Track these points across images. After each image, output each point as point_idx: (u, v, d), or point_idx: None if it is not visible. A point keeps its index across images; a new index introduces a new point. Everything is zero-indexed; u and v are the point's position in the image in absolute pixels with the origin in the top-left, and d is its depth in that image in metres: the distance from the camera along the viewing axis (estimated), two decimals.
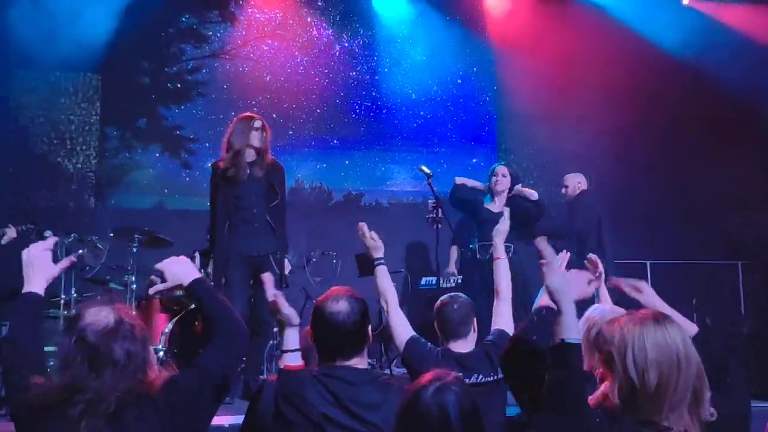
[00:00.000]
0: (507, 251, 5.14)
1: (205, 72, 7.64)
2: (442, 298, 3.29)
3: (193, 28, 7.69)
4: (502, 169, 5.79)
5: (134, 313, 1.92)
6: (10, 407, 2.03)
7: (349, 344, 2.42)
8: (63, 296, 5.39)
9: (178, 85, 7.58)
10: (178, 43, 7.64)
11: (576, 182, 6.55)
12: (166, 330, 5.42)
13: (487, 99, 8.29)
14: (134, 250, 5.58)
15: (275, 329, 5.16)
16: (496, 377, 3.03)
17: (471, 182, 5.99)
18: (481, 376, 3.03)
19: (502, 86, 8.20)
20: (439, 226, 5.45)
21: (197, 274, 2.18)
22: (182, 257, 2.23)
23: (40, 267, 2.21)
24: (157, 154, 7.48)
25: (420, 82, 8.12)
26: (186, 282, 2.16)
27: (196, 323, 5.54)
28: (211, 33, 7.73)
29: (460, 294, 3.35)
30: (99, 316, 1.89)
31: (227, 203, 4.83)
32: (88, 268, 5.78)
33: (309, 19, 8.00)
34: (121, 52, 7.31)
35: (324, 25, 8.02)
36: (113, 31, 7.12)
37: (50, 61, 7.02)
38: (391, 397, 2.32)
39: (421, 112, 8.11)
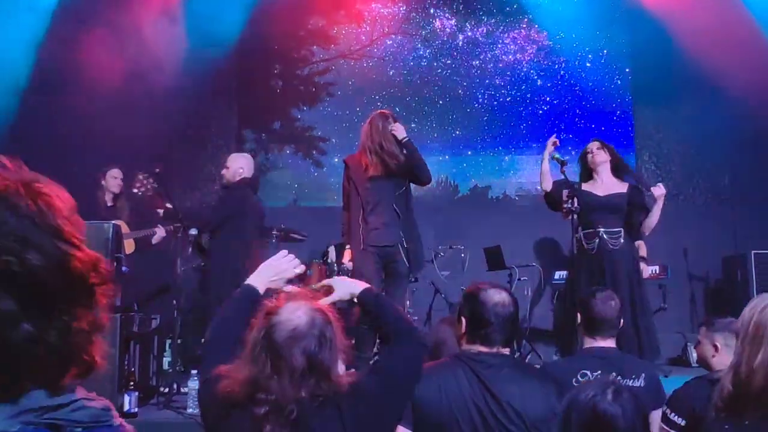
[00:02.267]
0: (616, 237, 5.01)
1: (333, 72, 7.89)
2: (588, 291, 3.23)
3: (321, 30, 7.96)
4: (594, 144, 5.23)
5: (332, 314, 1.89)
6: (199, 396, 2.02)
7: (505, 333, 2.48)
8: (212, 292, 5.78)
9: (310, 88, 7.88)
10: (308, 45, 7.93)
11: None
12: None
13: (619, 82, 7.94)
14: (275, 245, 5.89)
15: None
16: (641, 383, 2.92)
17: (548, 176, 5.30)
18: (634, 379, 2.92)
19: (637, 67, 7.81)
20: (575, 216, 5.19)
21: (364, 285, 2.22)
22: (289, 255, 2.32)
23: (273, 273, 2.26)
24: (291, 154, 7.83)
25: (545, 67, 7.93)
26: (356, 292, 2.21)
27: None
28: (337, 33, 7.96)
29: (605, 288, 3.29)
30: (292, 315, 1.81)
31: (359, 196, 4.98)
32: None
33: (432, 11, 8.04)
34: (257, 58, 7.71)
35: (447, 15, 8.04)
36: (248, 38, 7.54)
37: (191, 70, 7.55)
38: (546, 387, 2.43)
39: (547, 98, 7.93)
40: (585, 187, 5.08)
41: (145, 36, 7.10)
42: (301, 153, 7.83)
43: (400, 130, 4.89)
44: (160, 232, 5.83)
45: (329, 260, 5.83)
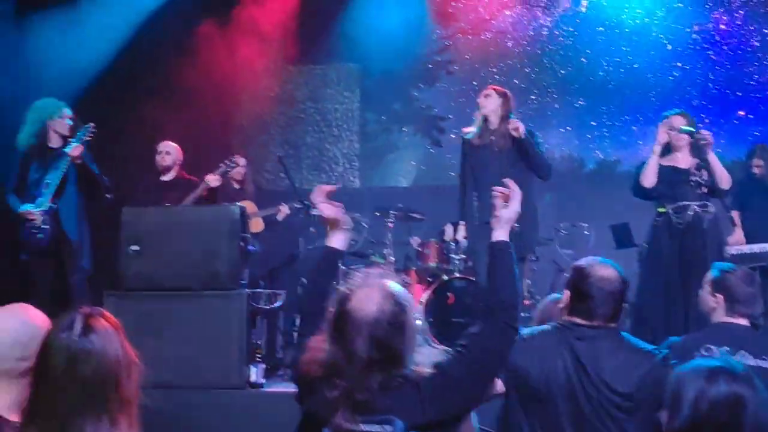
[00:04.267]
0: (704, 209, 4.65)
1: (452, 48, 7.87)
2: (734, 267, 3.11)
3: (440, 8, 7.93)
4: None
5: (407, 297, 1.85)
6: (292, 365, 2.09)
7: (607, 308, 2.48)
8: None
9: (429, 66, 7.92)
10: (427, 25, 7.94)
11: None
12: (422, 300, 5.83)
13: (757, 44, 7.32)
14: (390, 225, 6.06)
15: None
16: None
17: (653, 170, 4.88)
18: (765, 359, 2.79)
19: None
20: (705, 189, 4.85)
21: (504, 238, 2.12)
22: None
23: (333, 221, 2.22)
24: (410, 134, 7.93)
25: (675, 30, 7.45)
26: (495, 238, 2.11)
27: (449, 294, 5.87)
28: (455, 9, 7.91)
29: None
30: (362, 304, 1.78)
31: (474, 171, 5.02)
32: (352, 243, 6.44)
33: None
34: (377, 39, 7.85)
35: None
36: (368, 20, 7.71)
37: (317, 56, 7.87)
38: (643, 362, 2.42)
39: (678, 64, 7.46)
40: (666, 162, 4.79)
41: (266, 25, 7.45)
42: (420, 133, 7.91)
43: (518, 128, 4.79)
44: (283, 210, 6.17)
45: (446, 238, 5.91)
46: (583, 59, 7.67)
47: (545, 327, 2.62)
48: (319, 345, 1.84)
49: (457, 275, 5.64)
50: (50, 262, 5.08)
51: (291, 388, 4.35)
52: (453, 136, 7.20)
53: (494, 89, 5.12)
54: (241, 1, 7.51)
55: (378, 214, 6.25)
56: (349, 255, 6.45)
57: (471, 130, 5.11)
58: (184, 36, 7.32)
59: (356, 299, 1.79)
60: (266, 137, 7.97)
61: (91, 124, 5.00)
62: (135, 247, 4.29)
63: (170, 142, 5.75)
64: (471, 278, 5.53)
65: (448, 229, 6.02)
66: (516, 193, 2.22)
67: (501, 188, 2.26)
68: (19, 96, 6.42)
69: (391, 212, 6.01)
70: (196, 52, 7.32)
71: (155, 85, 7.15)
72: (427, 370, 1.83)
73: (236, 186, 6.15)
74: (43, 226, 4.96)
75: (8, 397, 1.93)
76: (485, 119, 4.99)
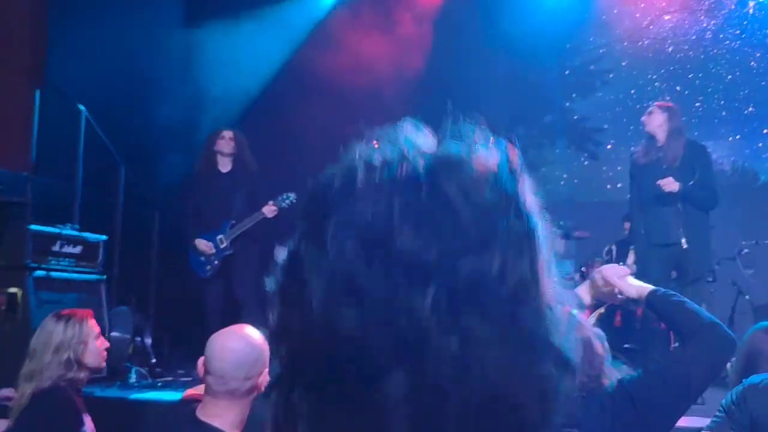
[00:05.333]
0: None
1: (609, 59, 7.57)
2: None
3: (596, 18, 7.66)
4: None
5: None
6: None
7: None
8: None
9: (583, 77, 7.65)
10: (579, 35, 7.69)
11: None
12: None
13: None
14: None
15: None
16: None
17: None
18: None
19: None
20: None
21: (649, 287, 2.03)
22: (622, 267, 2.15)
23: (601, 282, 2.14)
24: (563, 147, 7.68)
25: None
26: (643, 294, 2.02)
27: (616, 316, 5.58)
28: (612, 19, 7.61)
29: None
30: None
31: (641, 191, 4.76)
32: None
33: None
34: (525, 49, 7.67)
35: None
36: (518, 32, 7.56)
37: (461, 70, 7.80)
38: None
39: None
40: None
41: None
42: (574, 146, 7.63)
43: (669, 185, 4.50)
44: None
45: (612, 259, 5.62)
46: (752, 63, 7.14)
47: None
48: None
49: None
50: (216, 284, 5.26)
51: None
52: (609, 146, 6.91)
53: (658, 105, 4.86)
54: (398, 20, 7.59)
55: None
56: None
57: (637, 150, 4.88)
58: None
59: None
60: None
61: (294, 195, 5.11)
62: None
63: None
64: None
65: (614, 249, 5.75)
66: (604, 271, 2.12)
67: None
68: (189, 113, 6.69)
69: (556, 229, 5.78)
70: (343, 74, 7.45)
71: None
72: (611, 385, 1.77)
73: None
74: (214, 262, 5.16)
75: (232, 414, 1.98)
76: (651, 137, 4.73)
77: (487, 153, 0.62)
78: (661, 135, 4.70)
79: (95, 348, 2.53)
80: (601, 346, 1.79)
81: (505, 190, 0.61)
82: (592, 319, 4.91)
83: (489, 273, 0.54)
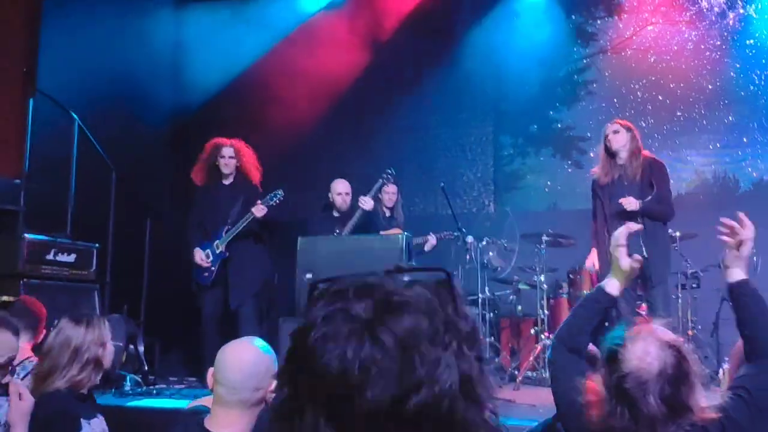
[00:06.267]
0: None
1: (593, 70, 7.69)
2: None
3: (580, 28, 7.80)
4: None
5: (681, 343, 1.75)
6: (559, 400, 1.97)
7: None
8: (480, 295, 5.99)
9: (567, 87, 7.77)
10: (565, 45, 7.81)
11: None
12: None
13: None
14: (542, 251, 5.93)
15: None
16: None
17: None
18: None
19: None
20: None
21: (743, 276, 2.00)
22: None
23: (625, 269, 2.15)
24: (548, 156, 7.76)
25: None
26: (732, 279, 2.02)
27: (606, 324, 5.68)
28: (596, 30, 7.74)
29: None
30: (642, 363, 1.69)
31: (604, 207, 4.94)
32: (499, 269, 6.36)
33: None
34: (511, 61, 7.79)
35: None
36: (503, 42, 7.71)
37: (447, 82, 7.93)
38: None
39: None
40: None
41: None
42: (560, 155, 7.75)
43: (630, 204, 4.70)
44: (431, 240, 6.19)
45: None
46: (732, 73, 7.30)
47: None
48: (596, 389, 1.76)
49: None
50: (215, 292, 5.31)
51: None
52: (593, 155, 7.02)
53: (622, 124, 5.04)
54: (373, 29, 7.70)
55: (521, 237, 6.15)
56: (496, 281, 6.40)
57: (597, 171, 5.04)
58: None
59: (633, 360, 1.70)
60: (399, 162, 8.03)
61: (281, 192, 5.18)
62: (309, 275, 4.42)
63: (344, 182, 5.77)
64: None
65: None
66: (748, 226, 2.06)
67: (729, 221, 2.08)
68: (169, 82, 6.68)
69: (543, 237, 5.89)
70: (330, 78, 7.56)
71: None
72: (713, 415, 1.72)
73: (387, 214, 6.22)
74: (212, 268, 5.21)
75: (242, 424, 2.01)
76: (611, 155, 4.90)
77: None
78: (624, 153, 4.94)
79: (112, 349, 2.60)
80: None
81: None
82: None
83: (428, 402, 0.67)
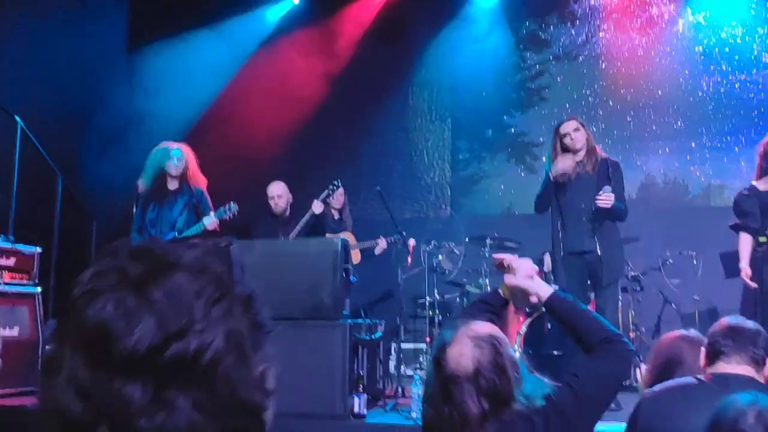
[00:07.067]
0: None
1: (546, 76, 7.81)
2: None
3: (533, 35, 7.92)
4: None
5: (495, 331, 1.80)
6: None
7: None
8: (427, 298, 6.07)
9: (521, 93, 7.88)
10: (520, 51, 7.93)
11: None
12: (521, 332, 5.73)
13: None
14: (486, 254, 6.02)
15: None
16: None
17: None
18: None
19: None
20: None
21: (550, 289, 2.10)
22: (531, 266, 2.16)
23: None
24: (503, 161, 7.87)
25: None
26: (543, 296, 2.08)
27: (548, 325, 5.77)
28: (549, 36, 7.87)
29: None
30: (458, 365, 1.74)
31: (558, 203, 4.99)
32: (447, 272, 6.43)
33: None
34: (467, 67, 7.89)
35: (664, 1, 7.59)
36: (458, 50, 7.81)
37: (407, 86, 8.03)
38: None
39: None
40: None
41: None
42: (514, 160, 7.85)
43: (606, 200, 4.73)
44: (381, 244, 6.25)
45: (545, 269, 5.82)
46: (681, 79, 7.45)
47: (685, 380, 2.31)
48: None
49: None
50: None
51: (393, 419, 4.45)
52: (545, 159, 7.11)
53: (580, 122, 5.09)
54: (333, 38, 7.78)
55: (467, 241, 6.23)
56: (446, 284, 6.47)
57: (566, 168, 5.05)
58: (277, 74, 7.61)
59: (451, 361, 1.74)
60: (358, 167, 8.11)
61: (235, 206, 5.22)
62: None
63: (280, 184, 5.85)
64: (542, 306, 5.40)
65: (546, 259, 5.94)
66: (511, 258, 2.19)
67: (498, 256, 2.23)
68: (129, 124, 6.74)
69: (487, 240, 5.97)
70: (291, 87, 7.60)
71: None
72: (538, 403, 1.78)
73: (336, 216, 6.28)
74: None
75: None
76: (571, 151, 4.95)
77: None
78: (582, 151, 4.95)
79: None
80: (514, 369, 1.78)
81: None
82: (524, 327, 5.03)
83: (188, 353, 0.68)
